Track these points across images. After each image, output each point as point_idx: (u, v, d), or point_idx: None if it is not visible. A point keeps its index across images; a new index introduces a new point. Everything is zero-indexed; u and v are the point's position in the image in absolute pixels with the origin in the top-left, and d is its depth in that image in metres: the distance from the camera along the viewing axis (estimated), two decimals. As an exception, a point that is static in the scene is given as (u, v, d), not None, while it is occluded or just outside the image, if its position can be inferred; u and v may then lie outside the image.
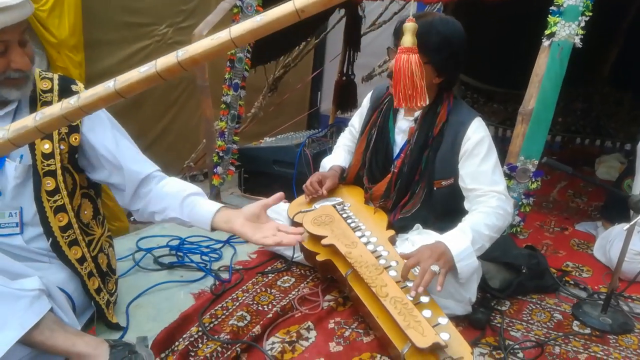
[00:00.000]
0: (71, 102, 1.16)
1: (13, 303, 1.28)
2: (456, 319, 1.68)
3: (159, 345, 1.52)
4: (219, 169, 2.83)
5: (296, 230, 1.43)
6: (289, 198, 2.72)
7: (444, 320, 1.46)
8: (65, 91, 1.52)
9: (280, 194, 1.47)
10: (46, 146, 1.49)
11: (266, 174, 3.15)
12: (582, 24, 2.15)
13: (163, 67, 1.10)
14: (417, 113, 1.90)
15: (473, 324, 1.75)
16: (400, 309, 1.48)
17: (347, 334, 1.67)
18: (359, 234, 1.82)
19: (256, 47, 2.75)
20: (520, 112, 2.26)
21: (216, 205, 1.51)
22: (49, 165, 1.48)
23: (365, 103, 2.16)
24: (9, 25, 1.32)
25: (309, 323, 1.70)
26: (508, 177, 2.26)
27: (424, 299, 1.51)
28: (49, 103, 1.48)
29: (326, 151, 2.43)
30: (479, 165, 1.80)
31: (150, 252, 2.21)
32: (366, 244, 1.77)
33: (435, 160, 1.85)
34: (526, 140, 2.23)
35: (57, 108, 1.16)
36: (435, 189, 1.86)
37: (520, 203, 2.29)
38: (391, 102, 1.98)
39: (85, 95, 1.15)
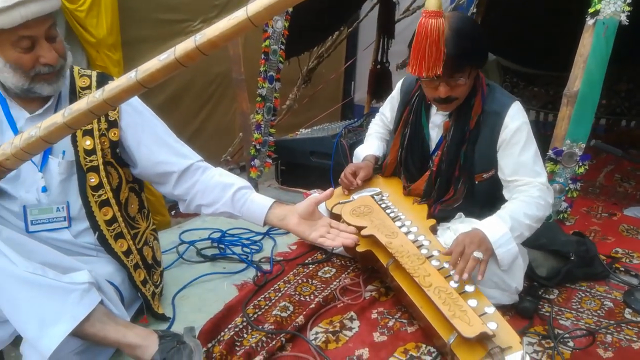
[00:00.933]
0: (96, 96, 1.16)
1: (64, 297, 1.32)
2: (502, 309, 1.64)
3: (205, 336, 1.55)
4: (256, 162, 2.85)
5: (349, 229, 1.45)
6: (327, 189, 2.73)
7: (490, 310, 1.43)
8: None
9: (330, 190, 1.47)
10: (87, 142, 1.52)
11: (303, 166, 3.15)
12: (629, 0, 2.04)
13: (182, 53, 1.08)
14: None
15: (520, 313, 1.71)
16: (445, 299, 1.45)
17: (390, 324, 1.66)
18: (398, 223, 1.80)
19: (290, 39, 2.74)
20: (565, 94, 2.17)
21: (269, 200, 1.52)
22: (91, 161, 1.52)
23: (395, 94, 2.11)
24: (31, 19, 1.33)
25: (352, 313, 1.70)
26: (554, 161, 2.19)
27: (469, 288, 1.49)
28: None
29: (362, 141, 2.40)
30: (519, 155, 1.74)
31: (193, 244, 2.25)
32: (407, 233, 1.75)
33: (475, 154, 1.80)
34: (572, 123, 2.15)
35: (84, 103, 1.18)
36: (476, 182, 1.82)
37: (567, 188, 2.22)
38: (422, 97, 1.93)
39: (109, 88, 1.16)
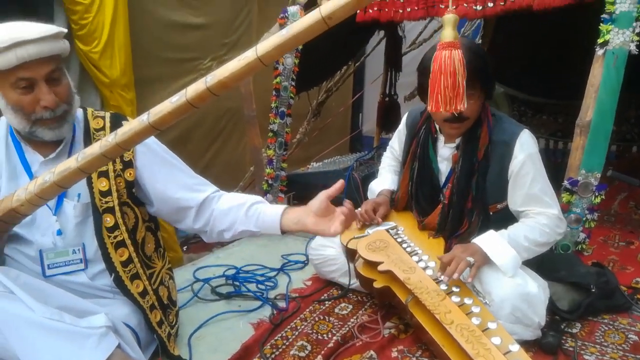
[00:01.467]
0: (109, 140, 1.18)
1: (82, 342, 1.30)
2: (525, 344, 1.61)
3: (223, 378, 1.52)
4: (269, 196, 2.86)
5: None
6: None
7: (514, 347, 1.40)
8: (117, 127, 1.54)
9: (341, 182, 1.40)
10: (103, 184, 1.52)
11: (315, 199, 3.15)
12: (638, 30, 2.06)
13: (193, 94, 1.10)
14: (458, 139, 1.85)
15: (544, 348, 1.67)
16: (468, 337, 1.43)
17: (411, 362, 1.62)
18: (416, 258, 1.78)
19: (300, 74, 2.78)
20: (577, 124, 2.18)
21: (280, 207, 1.48)
22: (107, 202, 1.52)
23: (402, 127, 2.12)
24: (28, 61, 1.32)
25: (371, 352, 1.67)
26: (570, 192, 2.18)
27: (492, 325, 1.46)
28: None
29: (374, 174, 2.40)
30: (529, 187, 1.75)
31: (207, 282, 2.23)
32: (424, 268, 1.73)
33: (486, 185, 1.79)
34: (586, 153, 2.15)
35: (97, 147, 1.19)
36: (491, 213, 1.81)
37: (584, 219, 2.20)
38: (428, 130, 1.94)
39: (121, 131, 1.17)
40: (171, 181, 1.60)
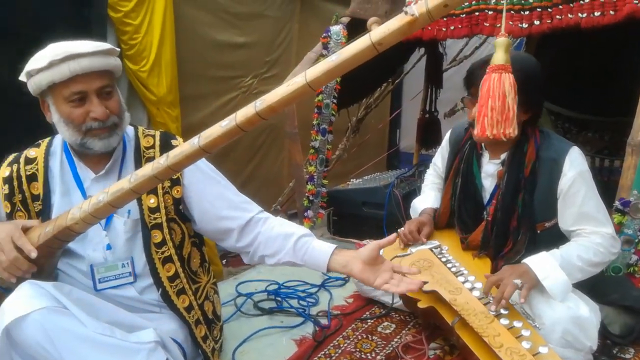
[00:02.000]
0: (161, 162, 1.21)
1: (132, 357, 1.33)
2: (576, 370, 1.56)
3: (269, 395, 1.53)
4: (310, 213, 2.88)
5: (412, 271, 1.43)
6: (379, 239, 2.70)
7: (567, 373, 1.36)
8: (166, 146, 1.58)
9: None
10: (152, 200, 1.55)
11: (355, 216, 3.16)
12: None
13: (243, 119, 1.12)
14: (504, 155, 1.82)
15: (596, 374, 1.62)
16: (518, 361, 1.39)
17: (457, 385, 1.60)
18: (461, 279, 1.76)
19: (341, 92, 2.81)
20: (629, 143, 2.11)
21: (330, 246, 1.50)
22: (155, 218, 1.54)
23: (445, 144, 2.10)
24: (80, 74, 1.37)
25: (417, 373, 1.65)
26: (621, 212, 2.10)
27: (543, 350, 1.42)
28: (152, 159, 1.54)
29: (415, 191, 2.40)
30: (581, 205, 1.69)
31: (250, 297, 2.26)
32: (471, 289, 1.70)
33: (533, 203, 1.75)
34: (638, 173, 2.07)
35: (149, 169, 1.22)
36: (539, 231, 1.76)
37: (636, 240, 2.11)
38: (472, 146, 1.92)
39: (173, 154, 1.20)
40: (217, 199, 1.62)
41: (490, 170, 1.86)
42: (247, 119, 1.12)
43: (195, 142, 1.17)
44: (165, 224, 1.55)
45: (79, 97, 1.40)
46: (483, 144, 1.88)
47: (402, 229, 2.04)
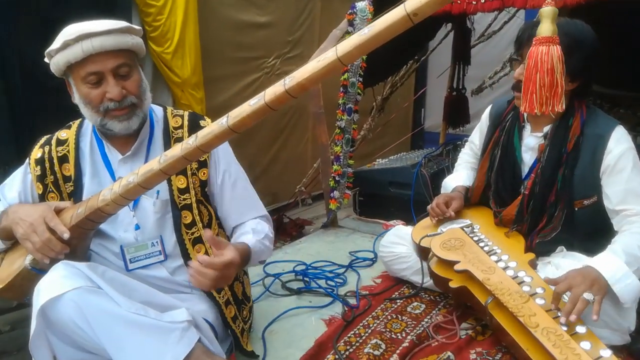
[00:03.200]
0: (189, 143, 1.19)
1: (166, 336, 1.34)
2: (613, 350, 1.50)
3: (300, 374, 1.53)
4: (336, 193, 2.85)
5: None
6: (407, 220, 2.68)
7: (606, 353, 1.32)
8: (195, 127, 1.57)
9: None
10: (181, 181, 1.55)
11: (382, 196, 3.13)
12: None
13: (272, 97, 1.09)
14: (547, 128, 1.76)
15: (634, 354, 1.57)
16: (555, 341, 1.36)
17: (491, 365, 1.57)
18: (494, 258, 1.72)
19: (367, 70, 2.76)
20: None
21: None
22: (185, 199, 1.54)
23: (484, 119, 2.05)
24: (94, 53, 1.35)
25: (449, 353, 1.62)
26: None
27: (580, 329, 1.38)
28: (180, 139, 1.54)
29: (444, 170, 2.34)
30: (627, 182, 1.62)
31: (278, 277, 2.26)
32: (505, 269, 1.66)
33: (574, 178, 1.69)
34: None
35: (178, 150, 1.21)
36: (576, 209, 1.71)
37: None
38: (515, 118, 1.86)
39: (201, 134, 1.18)
40: (232, 202, 1.64)
41: (531, 144, 1.81)
42: (276, 97, 1.09)
43: (224, 122, 1.15)
44: (195, 205, 1.56)
45: (95, 78, 1.39)
46: (526, 116, 1.83)
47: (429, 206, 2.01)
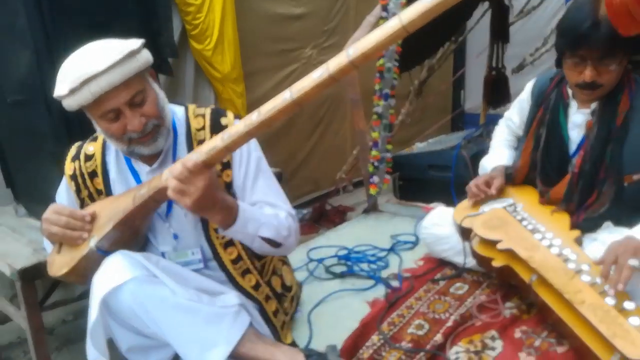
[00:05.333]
0: (253, 119, 1.20)
1: (219, 320, 1.41)
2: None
3: (346, 354, 1.57)
4: (375, 179, 2.87)
5: None
6: (448, 202, 2.66)
7: (656, 328, 1.30)
8: (216, 125, 1.52)
9: None
10: None
11: (421, 180, 3.12)
12: None
13: (336, 68, 1.10)
14: (594, 105, 1.72)
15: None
16: (602, 317, 1.35)
17: (537, 343, 1.56)
18: (538, 236, 1.70)
19: (402, 54, 2.74)
20: None
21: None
22: None
23: (525, 96, 2.01)
24: (104, 93, 1.29)
25: (493, 332, 1.63)
26: None
27: (629, 306, 1.36)
28: (202, 141, 1.49)
29: (484, 151, 2.31)
30: None
31: (321, 262, 2.31)
32: (549, 247, 1.64)
33: (623, 153, 1.66)
34: None
35: (242, 126, 1.22)
36: (625, 184, 1.67)
37: None
38: (559, 95, 1.83)
39: (264, 109, 1.19)
40: (257, 193, 1.56)
41: (578, 121, 1.78)
42: (340, 68, 1.09)
43: (288, 96, 1.15)
44: None
45: (112, 115, 1.34)
46: (571, 93, 1.80)
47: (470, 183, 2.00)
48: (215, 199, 1.31)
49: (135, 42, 1.35)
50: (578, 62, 1.64)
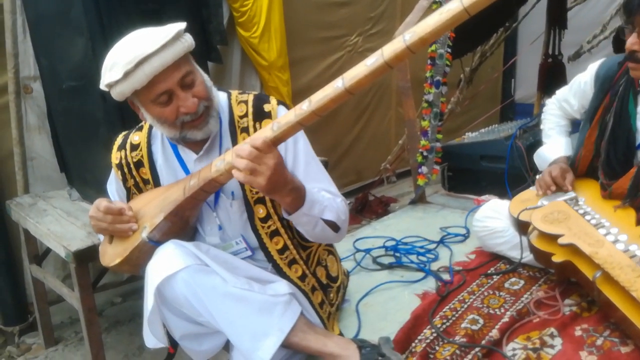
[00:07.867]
0: (304, 108, 1.18)
1: (271, 309, 1.40)
2: None
3: (398, 346, 1.53)
4: (424, 169, 2.80)
5: None
6: (502, 195, 2.57)
7: None
8: (259, 112, 1.49)
9: None
10: None
11: (472, 171, 3.02)
12: None
13: (391, 55, 1.06)
14: None
15: None
16: (674, 317, 1.26)
17: (599, 342, 1.48)
18: (602, 231, 1.61)
19: (455, 40, 2.66)
20: None
21: None
22: (257, 193, 1.48)
23: (588, 79, 1.88)
24: (157, 74, 1.29)
25: (552, 329, 1.56)
26: None
27: None
28: (246, 129, 1.48)
29: (540, 142, 2.20)
30: None
31: (368, 252, 2.28)
32: (614, 242, 1.55)
33: None
34: None
35: (292, 115, 1.20)
36: None
37: None
38: (629, 82, 1.71)
39: (315, 98, 1.16)
40: (310, 179, 1.51)
41: None
42: (395, 54, 1.05)
43: (340, 84, 1.12)
44: (267, 198, 1.47)
45: (166, 97, 1.34)
46: None
47: (539, 176, 1.90)
48: (287, 177, 1.31)
49: (180, 24, 1.35)
50: (630, 30, 1.54)
